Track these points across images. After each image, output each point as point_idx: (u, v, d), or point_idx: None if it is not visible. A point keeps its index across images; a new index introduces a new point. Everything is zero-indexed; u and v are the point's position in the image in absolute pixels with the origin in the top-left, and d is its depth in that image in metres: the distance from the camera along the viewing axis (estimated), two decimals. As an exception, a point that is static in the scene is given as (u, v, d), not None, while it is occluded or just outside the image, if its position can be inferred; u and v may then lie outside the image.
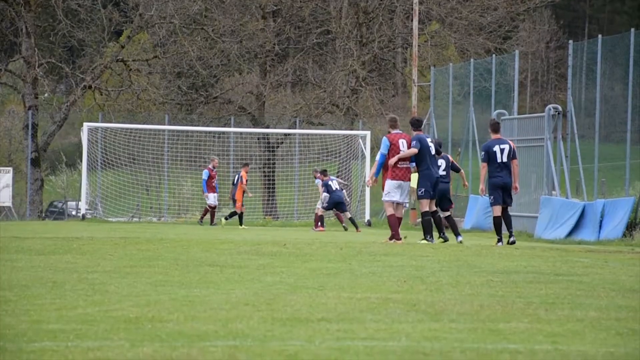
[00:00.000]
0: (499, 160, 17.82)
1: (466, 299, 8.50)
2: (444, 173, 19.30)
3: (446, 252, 14.22)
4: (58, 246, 13.74)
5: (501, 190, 17.71)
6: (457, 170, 20.39)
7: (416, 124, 18.12)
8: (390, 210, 17.47)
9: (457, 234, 18.57)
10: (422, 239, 17.54)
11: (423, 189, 17.43)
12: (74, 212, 44.03)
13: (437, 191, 17.93)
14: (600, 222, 25.28)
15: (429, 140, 17.66)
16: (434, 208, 17.91)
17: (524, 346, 6.23)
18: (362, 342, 6.25)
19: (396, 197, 17.41)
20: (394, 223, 17.46)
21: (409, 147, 17.35)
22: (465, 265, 11.98)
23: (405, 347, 6.14)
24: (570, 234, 25.56)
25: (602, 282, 10.33)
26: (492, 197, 17.79)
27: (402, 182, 17.38)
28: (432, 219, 17.66)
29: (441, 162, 19.19)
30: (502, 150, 17.94)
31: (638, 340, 6.55)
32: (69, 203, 46.59)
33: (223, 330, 6.60)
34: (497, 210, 17.69)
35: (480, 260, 12.89)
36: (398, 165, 17.36)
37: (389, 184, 17.44)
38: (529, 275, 10.91)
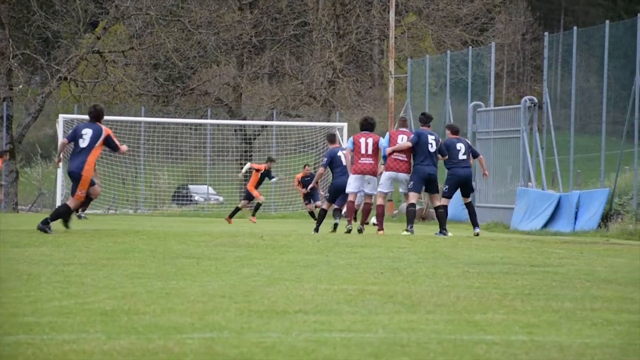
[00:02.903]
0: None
1: (443, 290, 8.52)
2: (464, 157, 18.73)
3: (423, 244, 14.26)
4: (33, 238, 13.68)
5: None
6: (475, 155, 19.34)
7: (423, 120, 18.33)
8: (379, 201, 17.79)
9: (475, 224, 18.69)
10: (405, 230, 17.73)
11: (412, 183, 17.65)
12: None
13: (459, 177, 18.15)
14: (576, 213, 25.42)
15: (431, 137, 17.81)
16: (445, 203, 17.99)
17: (500, 337, 6.26)
18: (339, 334, 6.26)
19: (383, 189, 17.82)
20: (380, 213, 17.78)
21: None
22: (442, 257, 12.02)
23: (382, 338, 6.16)
24: (546, 225, 25.68)
25: (577, 273, 10.38)
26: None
27: (392, 172, 17.69)
28: (415, 211, 17.88)
29: (460, 147, 18.80)
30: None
31: (613, 331, 6.59)
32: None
33: (200, 323, 6.59)
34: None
35: (456, 251, 12.93)
36: (392, 157, 17.61)
37: (382, 175, 17.87)
38: (505, 266, 10.96)
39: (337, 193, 18.89)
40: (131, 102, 43.83)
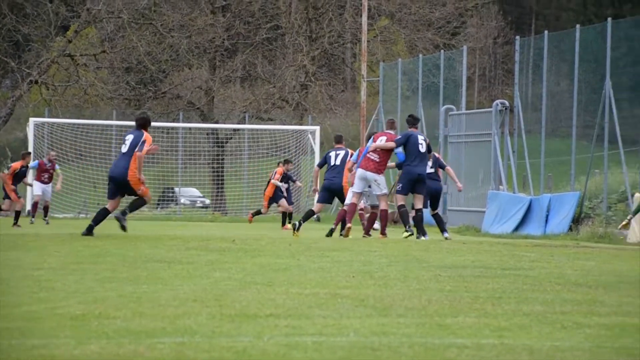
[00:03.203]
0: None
1: (414, 293, 8.54)
2: (432, 170, 19.04)
3: (394, 247, 14.28)
4: (3, 243, 13.58)
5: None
6: (442, 167, 19.65)
7: (411, 121, 18.41)
8: (383, 205, 17.80)
9: (443, 230, 18.83)
10: (404, 232, 17.74)
11: (400, 185, 17.77)
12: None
13: (427, 190, 18.15)
14: (547, 216, 25.56)
15: (421, 137, 17.83)
16: (419, 206, 18.02)
17: (471, 340, 6.28)
18: (311, 338, 6.26)
19: (356, 188, 17.84)
20: (381, 216, 17.83)
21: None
22: (414, 260, 12.04)
23: (354, 342, 6.16)
24: (517, 228, 25.81)
25: (548, 276, 10.44)
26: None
27: (361, 170, 17.69)
28: (407, 211, 17.93)
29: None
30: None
31: (582, 334, 6.63)
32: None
33: (171, 327, 6.56)
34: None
35: (428, 255, 12.96)
36: (367, 155, 17.74)
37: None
38: (476, 269, 11.00)
39: (327, 194, 18.80)
40: (103, 106, 43.63)
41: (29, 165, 26.06)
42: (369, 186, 17.78)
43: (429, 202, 18.81)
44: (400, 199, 17.81)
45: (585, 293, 8.91)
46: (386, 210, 17.99)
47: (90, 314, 7.07)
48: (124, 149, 15.56)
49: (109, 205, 15.81)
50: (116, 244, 13.96)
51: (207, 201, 41.34)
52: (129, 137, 15.65)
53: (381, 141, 17.74)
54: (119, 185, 15.54)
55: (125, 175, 15.38)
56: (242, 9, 44.85)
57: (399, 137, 17.90)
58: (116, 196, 15.72)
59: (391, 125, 18.56)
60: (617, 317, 7.37)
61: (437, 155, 19.80)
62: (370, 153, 17.67)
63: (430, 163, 18.74)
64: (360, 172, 17.75)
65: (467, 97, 33.55)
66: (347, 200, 17.99)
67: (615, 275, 11.04)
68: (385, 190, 17.74)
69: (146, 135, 15.59)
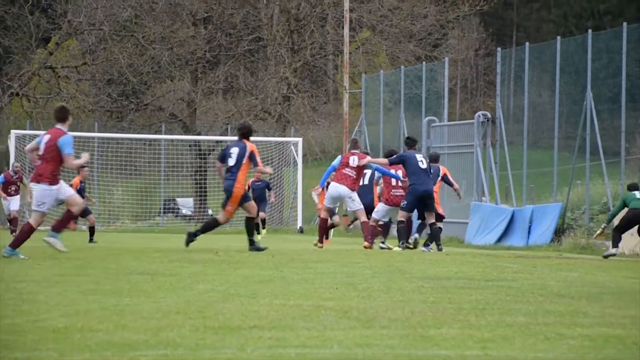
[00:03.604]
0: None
1: (398, 305, 8.54)
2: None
3: (378, 259, 14.28)
4: (-15, 256, 13.51)
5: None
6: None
7: (409, 143, 18.72)
8: (363, 218, 18.00)
9: (426, 244, 18.93)
10: (397, 247, 18.08)
11: (405, 202, 17.90)
12: None
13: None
14: (529, 227, 25.63)
15: (419, 155, 17.98)
16: (432, 220, 18.13)
17: (454, 352, 6.28)
18: (295, 350, 6.25)
19: (328, 203, 18.09)
20: (363, 227, 17.92)
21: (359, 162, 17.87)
22: (397, 272, 12.05)
23: (338, 354, 6.16)
24: (499, 239, 25.87)
25: (531, 287, 10.46)
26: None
27: (334, 183, 17.85)
28: (404, 227, 18.16)
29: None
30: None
31: (565, 345, 6.65)
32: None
33: (154, 340, 6.54)
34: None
35: (411, 266, 12.97)
36: (341, 170, 17.95)
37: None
38: (459, 281, 11.01)
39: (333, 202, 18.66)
40: (84, 118, 43.51)
41: None
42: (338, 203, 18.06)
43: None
44: (401, 215, 17.98)
45: (568, 304, 8.94)
46: (367, 222, 18.06)
47: (73, 326, 7.03)
48: (231, 162, 15.63)
49: (220, 216, 15.88)
50: (99, 256, 13.91)
51: (210, 211, 41.18)
52: (234, 150, 15.69)
53: (353, 162, 17.84)
54: (229, 198, 15.66)
55: (232, 187, 15.48)
56: (223, 21, 44.86)
57: (394, 157, 18.13)
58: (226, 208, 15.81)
59: (355, 144, 18.68)
60: (600, 328, 7.39)
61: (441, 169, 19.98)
62: (347, 169, 17.83)
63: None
64: (335, 187, 17.87)
65: (449, 108, 33.65)
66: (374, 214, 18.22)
67: (597, 286, 11.08)
68: (360, 206, 17.91)
69: (250, 146, 15.64)
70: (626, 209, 18.49)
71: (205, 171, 42.32)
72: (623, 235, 18.81)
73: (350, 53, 38.61)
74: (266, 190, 28.84)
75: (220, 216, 15.74)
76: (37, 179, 13.87)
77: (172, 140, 40.92)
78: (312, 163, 45.31)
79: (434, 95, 33.07)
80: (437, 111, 32.45)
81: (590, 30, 26.39)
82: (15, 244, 13.61)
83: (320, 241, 18.53)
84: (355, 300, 8.87)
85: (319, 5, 43.89)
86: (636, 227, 18.58)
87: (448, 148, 30.07)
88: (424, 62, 35.09)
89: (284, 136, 41.53)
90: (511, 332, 7.12)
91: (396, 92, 35.19)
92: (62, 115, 14.10)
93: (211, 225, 15.86)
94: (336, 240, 25.97)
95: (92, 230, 23.23)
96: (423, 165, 17.86)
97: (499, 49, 30.34)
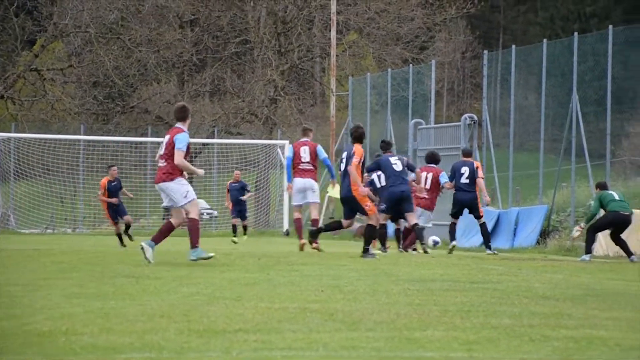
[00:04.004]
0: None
1: (383, 307, 8.55)
2: (467, 181, 19.51)
3: (363, 262, 14.29)
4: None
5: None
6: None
7: (384, 147, 18.81)
8: (295, 215, 18.25)
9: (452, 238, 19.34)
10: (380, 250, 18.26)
11: (384, 205, 18.08)
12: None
13: (460, 202, 19.07)
14: (515, 229, 25.68)
15: (393, 158, 18.03)
16: (413, 221, 18.09)
17: (440, 354, 6.29)
18: (280, 352, 6.25)
19: (296, 201, 18.11)
20: (313, 224, 17.92)
21: (311, 154, 17.91)
22: (383, 274, 12.05)
23: (323, 356, 6.15)
24: (485, 241, 25.88)
25: (516, 289, 10.48)
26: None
27: (297, 178, 17.86)
28: (386, 232, 18.60)
29: (464, 170, 19.48)
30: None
31: (550, 347, 6.66)
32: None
33: (139, 343, 6.52)
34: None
35: (397, 269, 12.98)
36: (299, 167, 17.98)
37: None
38: (445, 283, 11.02)
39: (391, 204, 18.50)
40: (70, 121, 43.40)
41: None
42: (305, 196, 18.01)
43: (467, 211, 19.48)
44: (382, 218, 18.01)
45: (553, 306, 8.95)
46: (317, 219, 18.18)
47: (58, 330, 7.01)
48: (342, 167, 15.69)
49: (344, 222, 15.96)
50: (83, 259, 13.87)
51: (216, 213, 40.98)
52: (345, 154, 15.73)
53: (305, 151, 17.90)
54: (346, 202, 15.66)
55: (350, 192, 15.42)
56: (210, 24, 44.84)
57: (370, 164, 18.19)
58: (350, 216, 15.84)
59: (305, 133, 18.46)
60: (585, 330, 7.41)
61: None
62: (305, 163, 17.87)
63: (466, 174, 19.21)
64: (299, 181, 17.89)
65: (436, 111, 33.71)
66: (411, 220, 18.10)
67: (582, 288, 11.11)
68: (317, 200, 18.01)
69: (355, 148, 15.48)
70: (602, 211, 18.02)
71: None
72: (601, 237, 18.70)
73: (337, 56, 38.63)
74: (244, 191, 28.77)
75: (371, 220, 15.46)
76: (167, 178, 13.50)
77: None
78: (299, 166, 45.22)
79: (421, 98, 33.12)
80: (423, 114, 32.49)
81: (576, 33, 26.48)
82: (194, 244, 13.39)
83: (315, 240, 18.46)
84: (341, 303, 8.87)
85: (306, 7, 43.91)
86: (609, 231, 18.16)
87: (435, 150, 30.09)
88: (411, 65, 35.14)
89: (270, 139, 41.52)
90: (496, 334, 7.13)
91: (383, 95, 35.22)
92: (181, 114, 14.15)
93: (369, 233, 15.58)
94: (323, 243, 25.93)
95: (127, 228, 23.59)
96: (398, 167, 17.92)
97: (485, 51, 30.41)
